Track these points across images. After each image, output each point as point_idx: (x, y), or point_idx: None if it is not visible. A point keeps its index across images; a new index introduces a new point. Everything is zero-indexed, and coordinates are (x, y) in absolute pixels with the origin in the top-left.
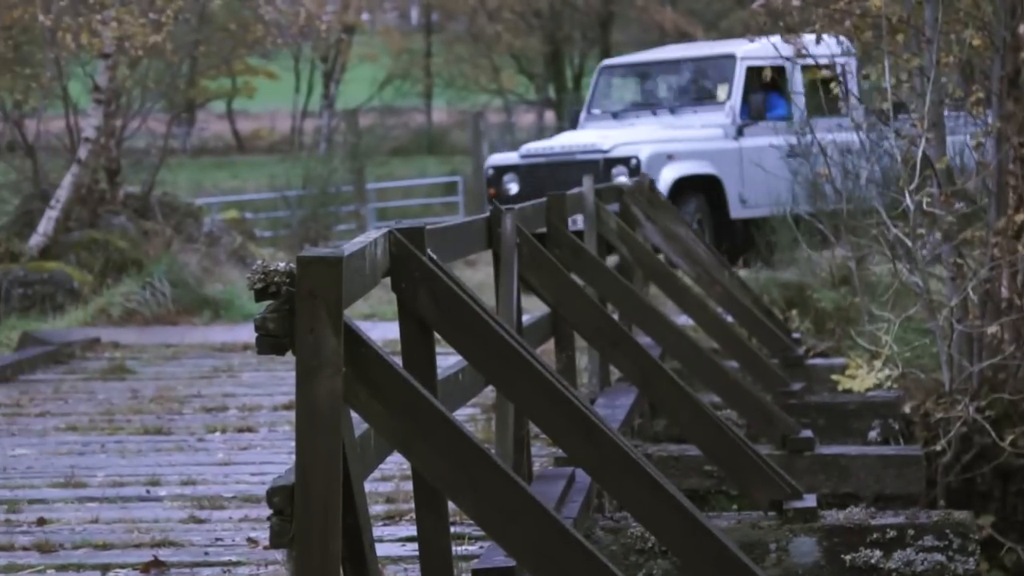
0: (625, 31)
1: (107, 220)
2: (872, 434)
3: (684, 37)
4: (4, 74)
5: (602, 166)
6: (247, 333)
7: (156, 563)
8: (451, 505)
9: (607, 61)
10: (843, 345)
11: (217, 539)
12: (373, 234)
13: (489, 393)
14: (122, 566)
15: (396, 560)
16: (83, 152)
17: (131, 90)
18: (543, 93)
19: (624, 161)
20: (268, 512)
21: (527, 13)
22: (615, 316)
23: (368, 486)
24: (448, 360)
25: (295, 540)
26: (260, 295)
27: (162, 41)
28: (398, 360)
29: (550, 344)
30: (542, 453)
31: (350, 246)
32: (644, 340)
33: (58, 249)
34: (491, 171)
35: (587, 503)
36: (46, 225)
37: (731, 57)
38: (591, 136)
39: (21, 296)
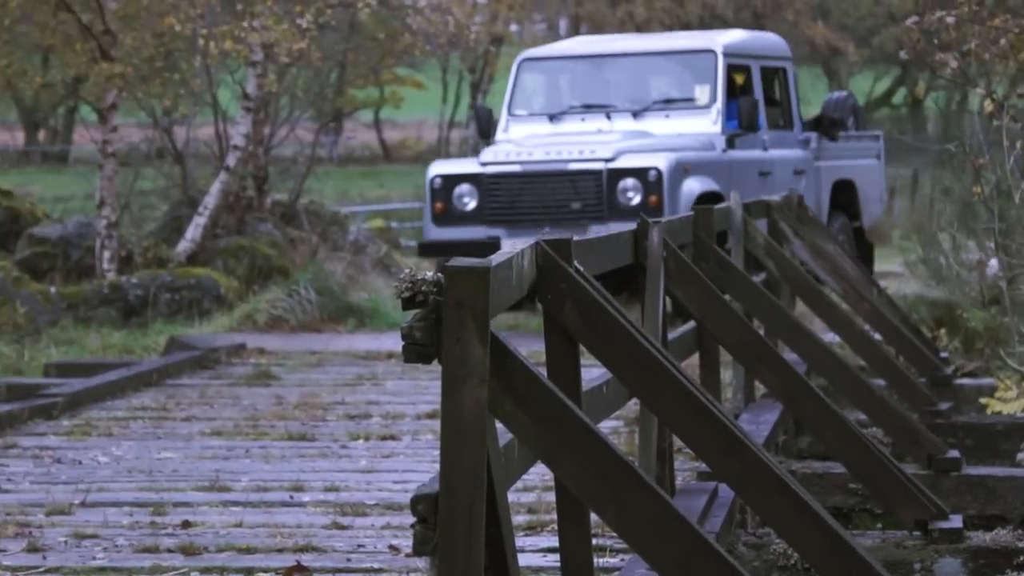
0: None
1: (254, 227)
2: (1021, 455)
3: (835, 53)
4: (154, 81)
5: (605, 178)
6: (391, 342)
7: (299, 568)
8: (593, 517)
9: (528, 53)
10: (992, 365)
11: (359, 546)
12: (520, 245)
13: (633, 406)
14: (265, 570)
15: (537, 571)
16: (231, 160)
17: (279, 98)
18: None
19: (638, 173)
20: (411, 520)
21: (676, 26)
22: (761, 331)
23: (510, 496)
24: (591, 372)
25: (438, 548)
26: (407, 304)
27: (307, 47)
28: (543, 371)
29: (694, 358)
30: (685, 467)
31: (497, 257)
32: (790, 356)
33: (205, 255)
34: (438, 181)
35: (730, 518)
36: (194, 231)
37: (710, 52)
38: (582, 141)
39: (168, 301)
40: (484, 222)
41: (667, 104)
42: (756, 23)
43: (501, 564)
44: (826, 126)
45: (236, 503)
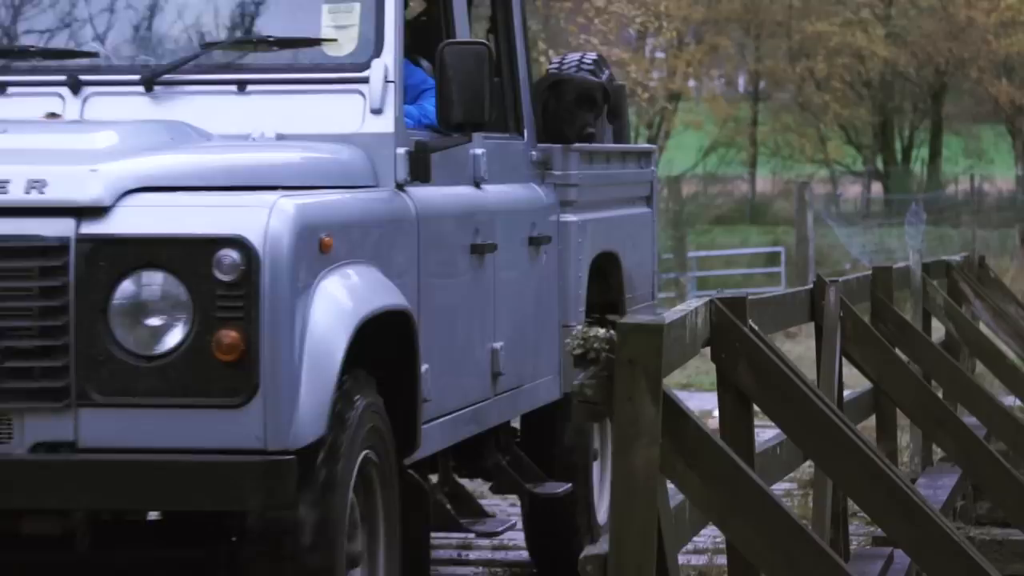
0: (958, 103)
1: None
2: None
3: (1021, 112)
4: None
5: (74, 268)
6: None
7: None
8: None
9: None
10: None
11: None
12: (694, 303)
13: (807, 468)
14: None
15: None
16: None
17: None
18: (871, 165)
19: (175, 255)
20: None
21: (857, 83)
22: (939, 394)
23: (681, 559)
24: (765, 433)
25: None
26: (578, 361)
27: None
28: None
29: (870, 421)
30: (859, 532)
31: (671, 314)
32: (969, 420)
33: None
34: None
35: None
36: None
37: None
38: None
39: None
40: None
41: (235, 52)
42: (938, 80)
43: None
44: (579, 126)
45: None
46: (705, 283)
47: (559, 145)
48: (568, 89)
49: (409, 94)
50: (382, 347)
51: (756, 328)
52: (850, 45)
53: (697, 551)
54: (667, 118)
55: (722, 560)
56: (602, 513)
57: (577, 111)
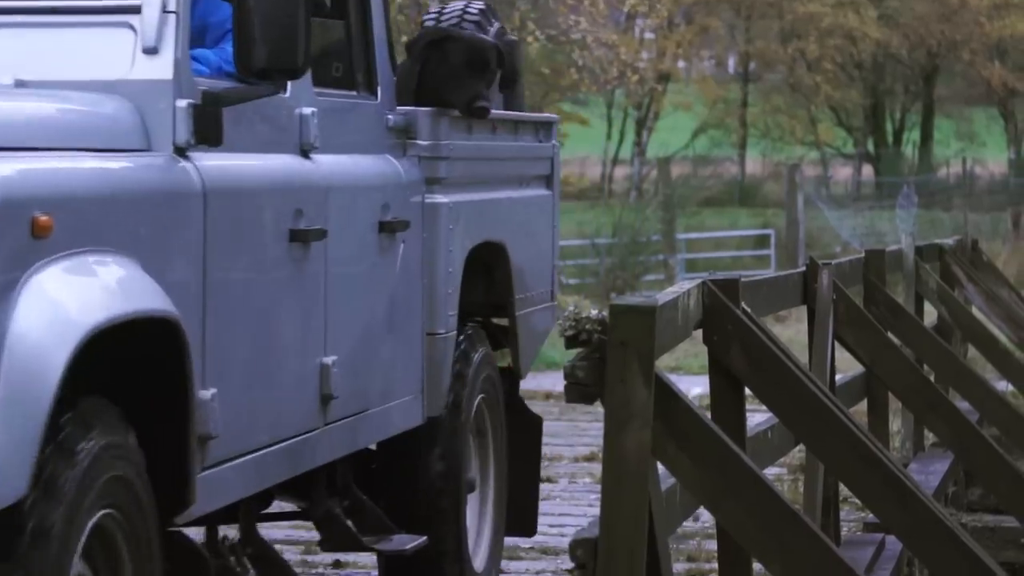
0: (950, 85)
1: None
2: None
3: (1012, 94)
4: None
5: None
6: (549, 381)
7: None
8: (756, 566)
9: None
10: None
11: None
12: (686, 285)
13: (796, 453)
14: None
15: None
16: None
17: None
18: (861, 147)
19: None
20: (565, 565)
21: (848, 64)
22: (931, 378)
23: (669, 543)
24: (754, 417)
25: None
26: (570, 342)
27: None
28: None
29: (861, 405)
30: (850, 518)
31: (663, 296)
32: (961, 405)
33: None
34: None
35: (897, 571)
36: None
37: None
38: None
39: None
40: None
41: None
42: (930, 62)
43: None
44: (469, 96)
45: None
46: (694, 265)
47: (425, 108)
48: (455, 49)
49: (211, 35)
50: (140, 367)
51: (749, 311)
52: (842, 26)
53: (685, 535)
54: (656, 99)
55: (711, 545)
56: (480, 561)
57: (467, 77)
